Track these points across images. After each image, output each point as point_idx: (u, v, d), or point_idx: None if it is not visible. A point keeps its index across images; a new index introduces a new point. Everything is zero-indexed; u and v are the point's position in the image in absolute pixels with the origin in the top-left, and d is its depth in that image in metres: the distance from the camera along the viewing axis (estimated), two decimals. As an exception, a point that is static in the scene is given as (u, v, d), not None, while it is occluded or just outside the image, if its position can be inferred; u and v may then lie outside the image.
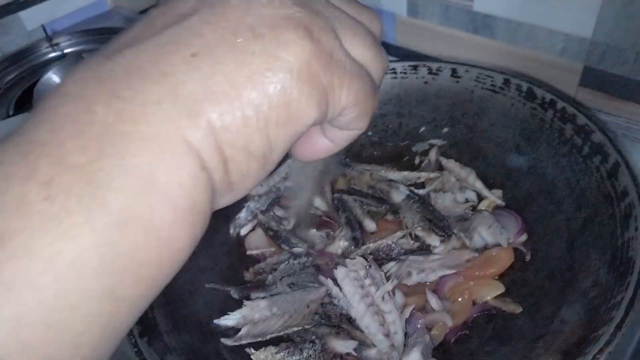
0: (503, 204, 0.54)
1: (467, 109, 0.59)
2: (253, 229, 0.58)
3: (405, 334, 0.45)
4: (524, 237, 0.50)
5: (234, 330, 0.46)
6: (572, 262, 0.45)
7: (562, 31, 0.61)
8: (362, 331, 0.45)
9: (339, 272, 0.48)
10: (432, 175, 0.59)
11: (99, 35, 1.03)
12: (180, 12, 0.20)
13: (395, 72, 0.61)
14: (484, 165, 0.57)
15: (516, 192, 0.55)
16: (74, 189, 0.16)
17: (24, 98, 0.90)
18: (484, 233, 0.50)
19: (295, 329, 0.45)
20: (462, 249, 0.50)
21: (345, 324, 0.46)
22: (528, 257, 0.49)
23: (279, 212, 0.58)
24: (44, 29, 1.04)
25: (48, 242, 0.16)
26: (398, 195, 0.56)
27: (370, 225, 0.54)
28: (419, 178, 0.59)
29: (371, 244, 0.52)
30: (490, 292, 0.47)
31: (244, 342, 0.45)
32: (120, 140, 0.17)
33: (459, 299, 0.47)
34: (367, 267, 0.48)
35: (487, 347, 0.43)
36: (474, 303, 0.47)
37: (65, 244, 0.16)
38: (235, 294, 0.50)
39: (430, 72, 0.61)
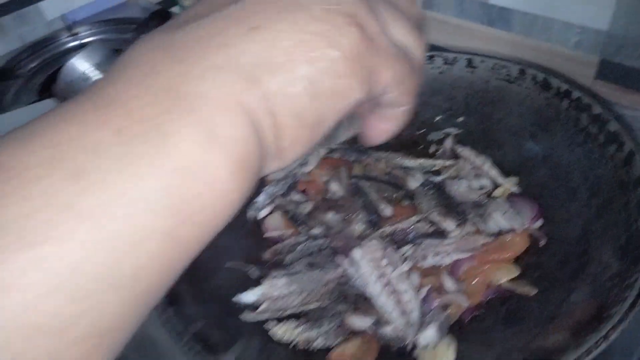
0: (518, 191, 0.55)
1: (483, 99, 0.60)
2: (271, 212, 0.59)
3: (421, 313, 0.46)
4: (539, 223, 0.51)
5: (254, 306, 0.48)
6: (587, 246, 0.46)
7: (578, 24, 0.61)
8: (378, 310, 0.46)
9: (356, 253, 0.49)
10: (448, 163, 0.59)
11: (116, 25, 1.05)
12: None
13: (411, 63, 0.62)
14: (499, 154, 0.58)
15: (531, 179, 0.55)
16: (143, 137, 0.18)
17: (46, 85, 0.92)
18: (499, 218, 0.51)
19: (313, 305, 0.47)
20: (477, 234, 0.51)
21: (361, 303, 0.48)
22: (543, 242, 0.50)
23: (295, 196, 0.60)
24: (64, 19, 1.06)
25: (119, 180, 0.17)
26: (414, 182, 0.57)
27: (386, 209, 0.55)
28: (434, 166, 0.60)
29: (387, 228, 0.53)
30: (505, 275, 0.48)
31: (264, 317, 0.46)
32: (184, 98, 0.19)
33: (474, 281, 0.48)
34: (384, 248, 0.49)
35: (501, 326, 0.44)
36: (488, 285, 0.48)
37: (135, 183, 0.17)
38: (254, 273, 0.51)
39: (445, 62, 0.62)
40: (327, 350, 0.45)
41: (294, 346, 0.45)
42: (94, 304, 0.17)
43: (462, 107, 0.62)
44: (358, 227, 0.54)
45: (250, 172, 0.21)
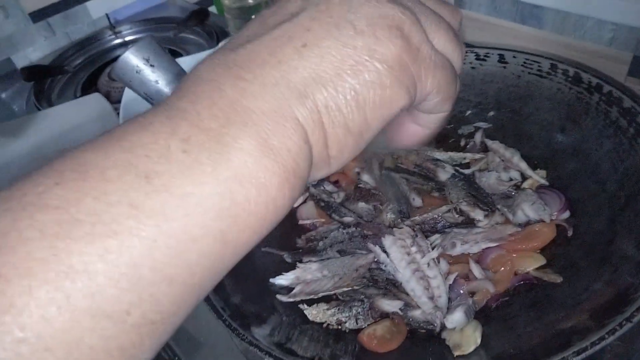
0: (546, 183, 0.56)
1: (513, 94, 0.61)
2: (304, 202, 0.61)
3: (449, 299, 0.48)
4: (566, 214, 0.52)
5: (288, 289, 0.50)
6: (614, 236, 0.47)
7: (611, 20, 0.62)
8: (407, 294, 0.48)
9: (387, 240, 0.51)
10: (477, 156, 0.61)
11: (156, 25, 1.10)
12: (289, 11, 0.24)
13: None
14: (529, 147, 0.59)
15: (560, 172, 0.56)
16: (206, 146, 0.20)
17: (89, 81, 0.97)
18: (527, 209, 0.52)
19: (345, 289, 0.49)
20: (506, 224, 0.53)
21: (391, 288, 0.49)
22: (570, 233, 0.51)
23: (328, 186, 0.62)
24: (108, 18, 1.11)
25: (182, 184, 0.20)
26: (444, 174, 0.59)
27: (416, 200, 0.57)
28: (464, 158, 0.61)
29: (417, 217, 0.55)
30: (532, 264, 0.49)
31: (297, 299, 0.49)
32: (243, 112, 0.21)
33: (501, 269, 0.49)
34: (414, 236, 0.51)
35: (527, 312, 0.45)
36: (515, 273, 0.49)
37: (195, 187, 0.20)
38: (288, 258, 0.54)
39: (477, 57, 0.63)
40: (357, 330, 0.47)
41: (327, 325, 0.47)
42: (151, 294, 0.19)
43: (493, 102, 0.63)
44: (388, 216, 0.56)
45: (300, 179, 0.23)
